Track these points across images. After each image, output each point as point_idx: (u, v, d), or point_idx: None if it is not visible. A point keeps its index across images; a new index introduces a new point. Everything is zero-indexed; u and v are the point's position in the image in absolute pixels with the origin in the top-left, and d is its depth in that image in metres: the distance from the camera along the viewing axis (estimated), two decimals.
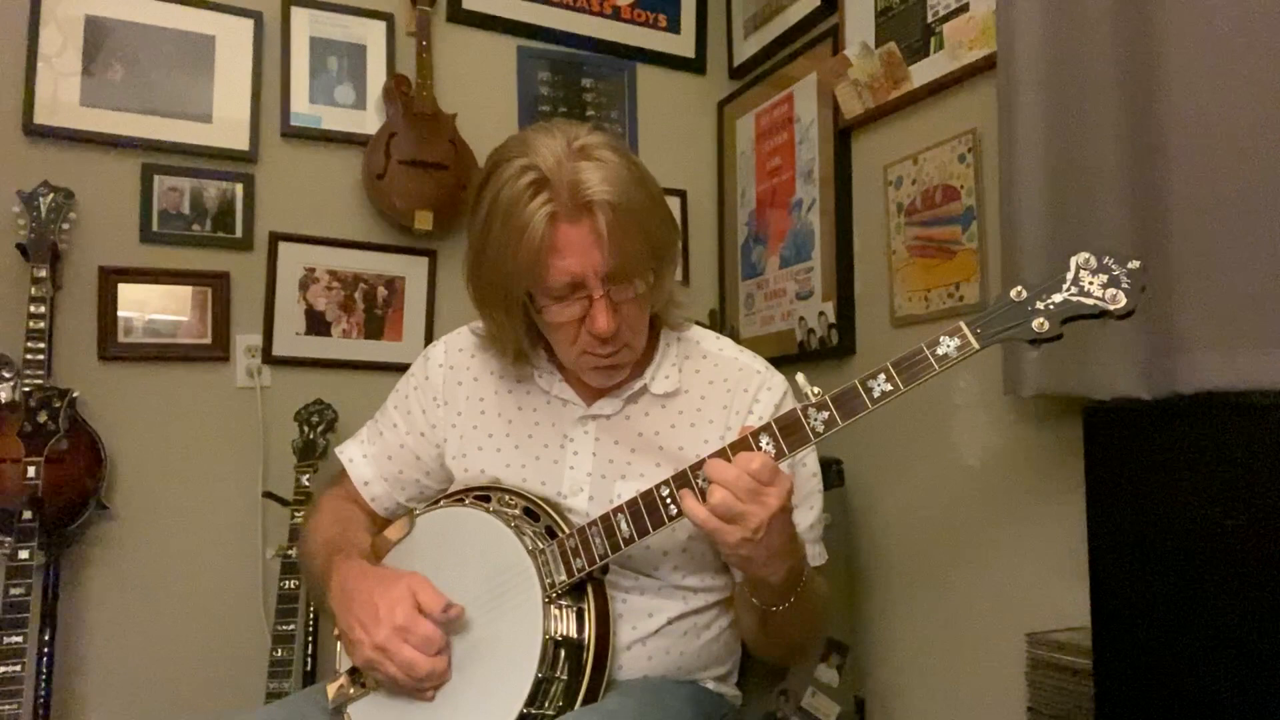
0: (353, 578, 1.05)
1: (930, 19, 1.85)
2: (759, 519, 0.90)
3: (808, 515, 1.15)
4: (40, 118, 1.91)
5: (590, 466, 1.14)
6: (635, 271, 1.05)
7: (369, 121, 2.19)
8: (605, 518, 1.00)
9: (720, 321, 2.55)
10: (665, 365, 1.18)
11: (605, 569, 1.03)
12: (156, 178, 2.01)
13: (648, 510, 0.98)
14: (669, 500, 0.97)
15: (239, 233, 2.07)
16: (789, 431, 0.93)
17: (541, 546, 1.02)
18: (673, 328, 1.21)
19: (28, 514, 1.67)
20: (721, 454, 0.94)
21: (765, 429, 0.94)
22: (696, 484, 0.95)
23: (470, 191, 1.11)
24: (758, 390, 1.16)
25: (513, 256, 1.01)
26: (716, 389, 1.17)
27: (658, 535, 1.00)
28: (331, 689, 1.08)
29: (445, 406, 1.22)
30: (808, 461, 1.17)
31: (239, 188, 2.07)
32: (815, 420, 0.93)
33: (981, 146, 1.74)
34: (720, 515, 0.91)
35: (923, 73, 1.87)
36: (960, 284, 1.77)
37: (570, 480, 1.13)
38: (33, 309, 1.79)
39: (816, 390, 0.93)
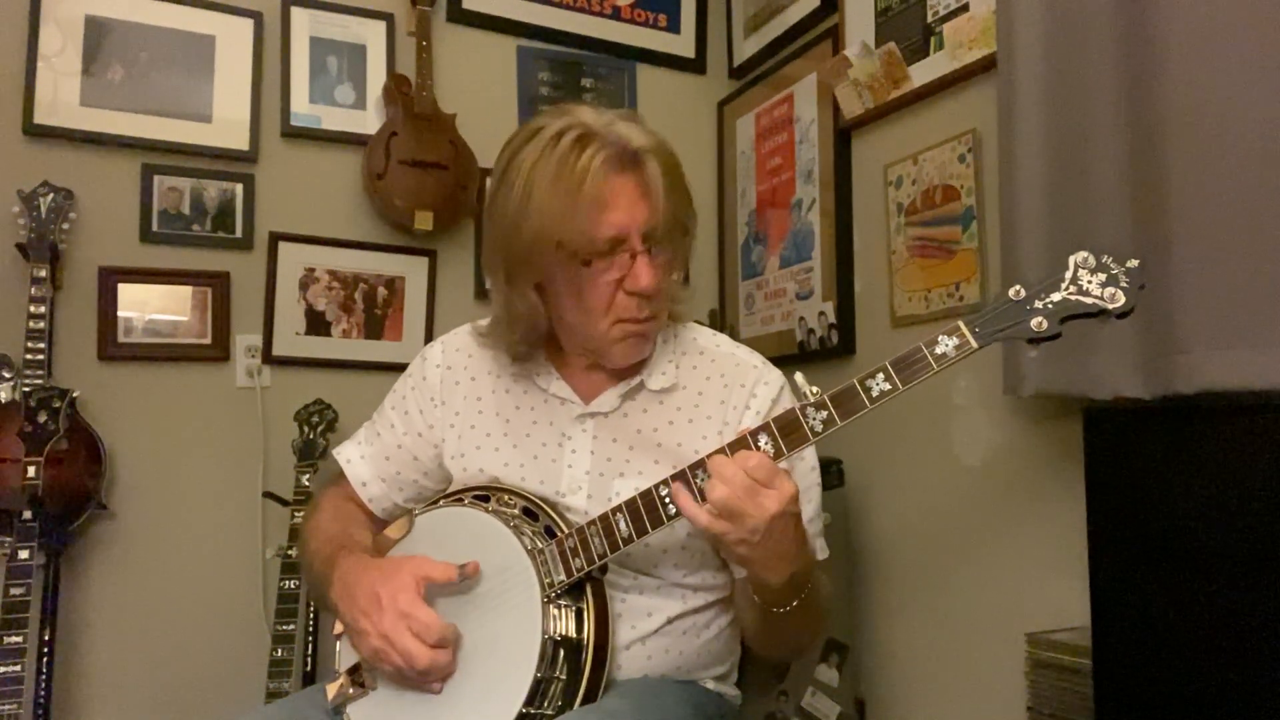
0: (355, 571, 1.05)
1: (930, 19, 1.85)
2: (756, 520, 0.90)
3: (806, 509, 1.15)
4: (40, 118, 1.91)
5: (588, 464, 1.14)
6: (671, 231, 1.08)
7: (369, 121, 2.19)
8: (604, 517, 1.00)
9: (720, 321, 2.55)
10: (662, 361, 1.18)
11: (604, 569, 1.03)
12: (156, 178, 2.01)
13: (646, 510, 0.98)
14: (668, 500, 0.97)
15: (239, 233, 2.07)
16: (788, 431, 0.93)
17: (540, 546, 1.02)
18: (673, 319, 1.22)
19: (28, 514, 1.67)
20: (721, 452, 0.94)
21: (764, 428, 0.94)
22: (695, 483, 0.95)
23: (497, 167, 1.11)
24: (754, 385, 1.16)
25: (562, 211, 1.02)
26: (713, 385, 1.17)
27: (657, 534, 1.00)
28: (331, 689, 1.08)
29: (443, 406, 1.22)
30: (805, 455, 1.17)
31: (239, 188, 2.07)
32: (814, 420, 0.93)
33: (981, 146, 1.74)
34: (718, 512, 0.91)
35: (923, 73, 1.87)
36: (960, 284, 1.77)
37: (569, 478, 1.13)
38: (33, 309, 1.79)
39: (815, 390, 0.93)
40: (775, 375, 1.19)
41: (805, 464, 1.17)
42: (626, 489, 1.03)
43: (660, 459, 1.12)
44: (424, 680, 0.99)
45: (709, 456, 0.94)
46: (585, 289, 1.07)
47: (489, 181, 1.15)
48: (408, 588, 0.99)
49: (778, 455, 0.93)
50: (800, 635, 1.16)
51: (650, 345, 1.16)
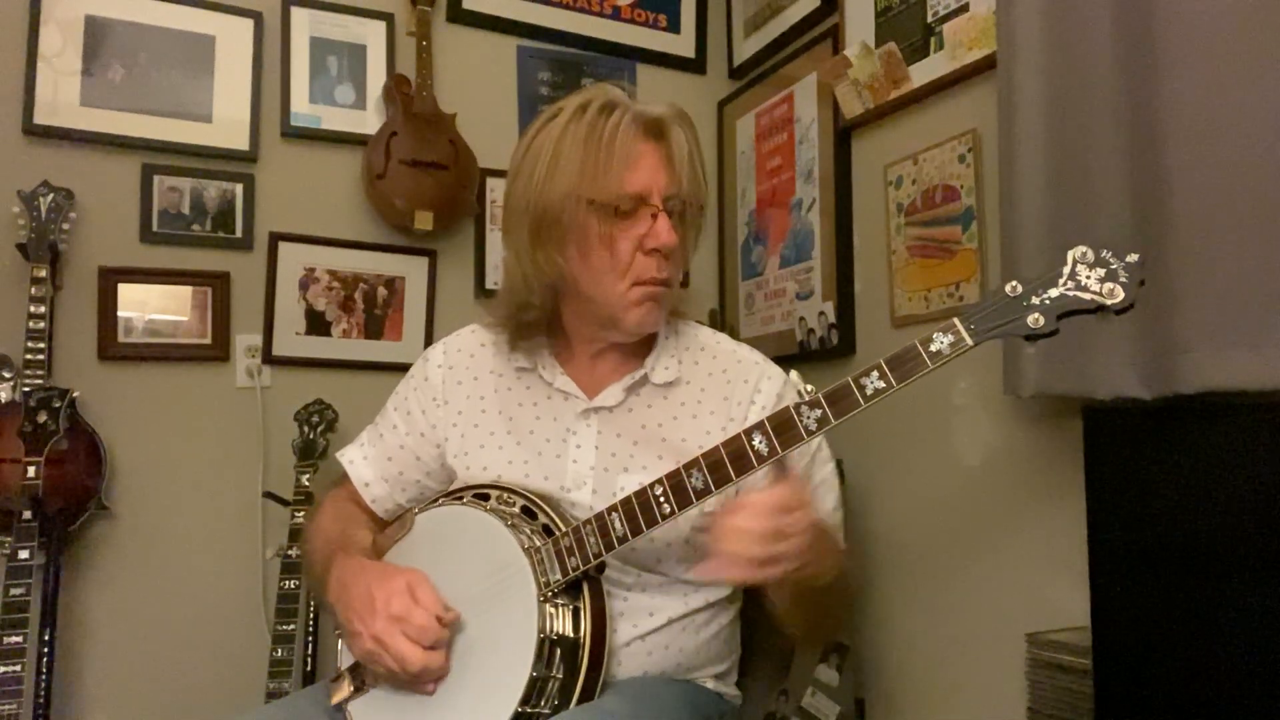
0: (351, 572, 1.05)
1: (930, 19, 1.85)
2: (795, 546, 0.91)
3: (829, 499, 1.17)
4: (40, 118, 1.91)
5: (593, 460, 1.14)
6: (689, 202, 1.12)
7: (369, 121, 2.18)
8: (599, 516, 1.00)
9: (720, 321, 2.55)
10: (665, 356, 1.19)
11: (601, 567, 1.03)
12: (156, 178, 2.01)
13: (641, 509, 0.98)
14: (662, 499, 0.97)
15: (239, 233, 2.07)
16: (782, 429, 0.93)
17: (538, 544, 1.02)
18: (676, 316, 1.22)
19: (28, 514, 1.67)
20: (717, 453, 0.94)
21: (758, 427, 0.94)
22: (690, 482, 0.95)
23: (518, 148, 1.15)
24: (758, 381, 1.17)
25: (593, 168, 1.06)
26: (716, 380, 1.18)
27: (655, 531, 1.00)
28: (332, 687, 1.08)
29: (445, 406, 1.23)
30: (822, 449, 1.18)
31: (239, 188, 2.07)
32: (808, 418, 0.92)
33: (981, 146, 1.73)
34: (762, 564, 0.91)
35: (923, 73, 1.87)
36: (960, 284, 1.76)
37: (573, 474, 1.14)
38: (33, 309, 1.79)
39: (809, 388, 0.93)
40: (777, 371, 1.20)
41: (822, 455, 1.18)
42: (632, 484, 1.03)
43: (664, 454, 1.12)
44: (418, 681, 0.99)
45: (736, 513, 0.92)
46: (610, 244, 1.09)
47: (510, 159, 1.18)
48: (402, 592, 0.99)
49: (772, 454, 0.93)
50: (839, 610, 1.23)
51: (662, 316, 1.17)
